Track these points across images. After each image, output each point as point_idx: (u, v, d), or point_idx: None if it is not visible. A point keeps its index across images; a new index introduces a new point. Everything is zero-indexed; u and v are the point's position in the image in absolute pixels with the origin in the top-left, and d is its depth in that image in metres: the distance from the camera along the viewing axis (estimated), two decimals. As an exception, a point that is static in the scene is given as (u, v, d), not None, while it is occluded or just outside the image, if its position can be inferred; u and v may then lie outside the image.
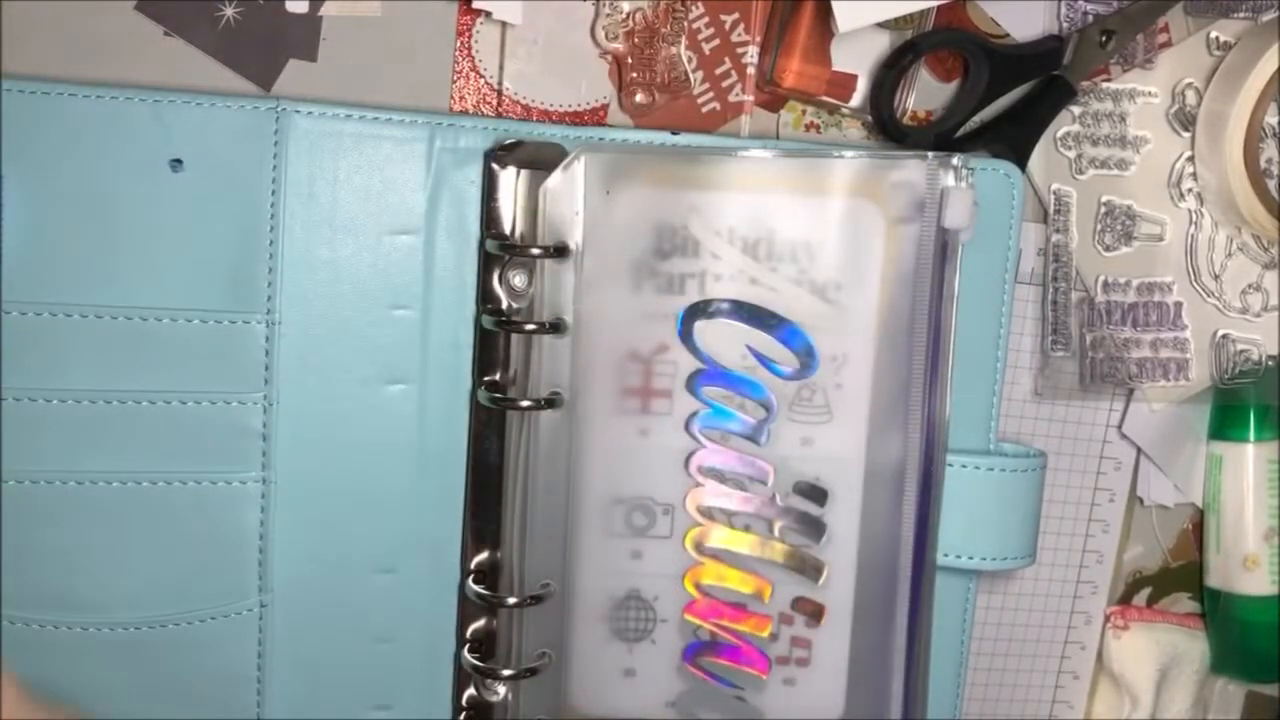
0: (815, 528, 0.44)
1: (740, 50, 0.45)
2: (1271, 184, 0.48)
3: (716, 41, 0.45)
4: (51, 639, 0.41)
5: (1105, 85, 0.48)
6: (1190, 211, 0.49)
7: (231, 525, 0.42)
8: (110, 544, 0.41)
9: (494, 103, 0.43)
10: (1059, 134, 0.47)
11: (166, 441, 0.41)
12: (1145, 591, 0.52)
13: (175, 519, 0.41)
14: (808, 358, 0.43)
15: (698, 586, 0.44)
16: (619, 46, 0.44)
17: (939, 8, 0.45)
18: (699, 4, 0.44)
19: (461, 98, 0.43)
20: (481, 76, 0.43)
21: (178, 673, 0.42)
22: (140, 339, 0.40)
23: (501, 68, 0.43)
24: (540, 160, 0.42)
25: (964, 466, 0.45)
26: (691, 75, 0.45)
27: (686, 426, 0.43)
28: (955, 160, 0.42)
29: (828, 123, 0.46)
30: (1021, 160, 0.46)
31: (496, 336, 0.43)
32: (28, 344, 0.39)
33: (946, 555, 0.45)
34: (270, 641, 0.42)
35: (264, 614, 0.42)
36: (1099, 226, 0.48)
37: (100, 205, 0.40)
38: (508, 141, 0.42)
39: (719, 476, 0.44)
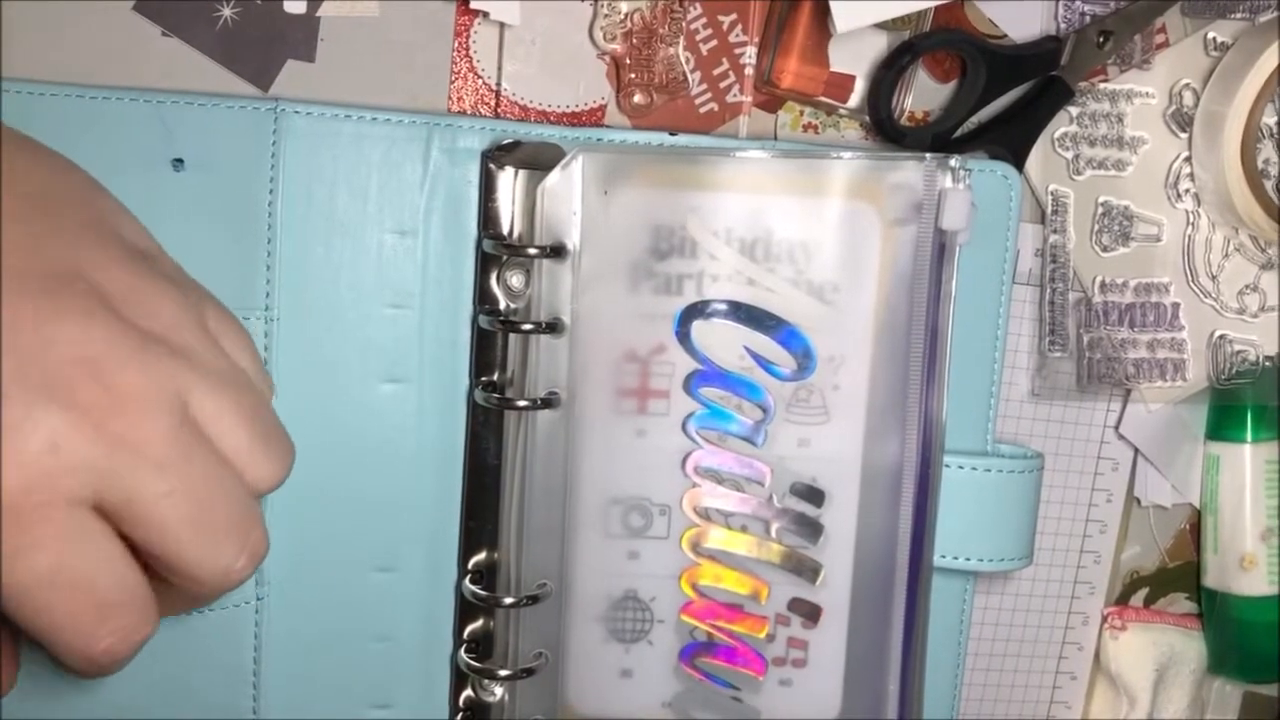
0: (812, 529, 0.44)
1: (738, 51, 0.45)
2: (1268, 184, 0.48)
3: (714, 42, 0.45)
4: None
5: (1103, 86, 0.48)
6: (1187, 212, 0.49)
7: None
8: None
9: (492, 103, 0.43)
10: (1056, 134, 0.47)
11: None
12: (1142, 592, 0.52)
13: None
14: (805, 359, 0.43)
15: (694, 587, 0.44)
16: (617, 47, 0.44)
17: (937, 8, 0.45)
18: (697, 5, 0.44)
19: (459, 98, 0.43)
20: (479, 77, 0.43)
21: (175, 665, 0.42)
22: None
23: (499, 68, 0.43)
24: (538, 160, 0.42)
25: (961, 467, 0.45)
26: (689, 76, 0.45)
27: (684, 427, 0.43)
28: (953, 161, 0.42)
29: (825, 123, 0.46)
30: (1019, 161, 0.46)
31: (494, 336, 0.43)
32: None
33: (943, 556, 0.45)
34: (267, 635, 0.42)
35: (260, 607, 0.42)
36: (1096, 227, 0.48)
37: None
38: (505, 142, 0.42)
39: (716, 477, 0.44)
